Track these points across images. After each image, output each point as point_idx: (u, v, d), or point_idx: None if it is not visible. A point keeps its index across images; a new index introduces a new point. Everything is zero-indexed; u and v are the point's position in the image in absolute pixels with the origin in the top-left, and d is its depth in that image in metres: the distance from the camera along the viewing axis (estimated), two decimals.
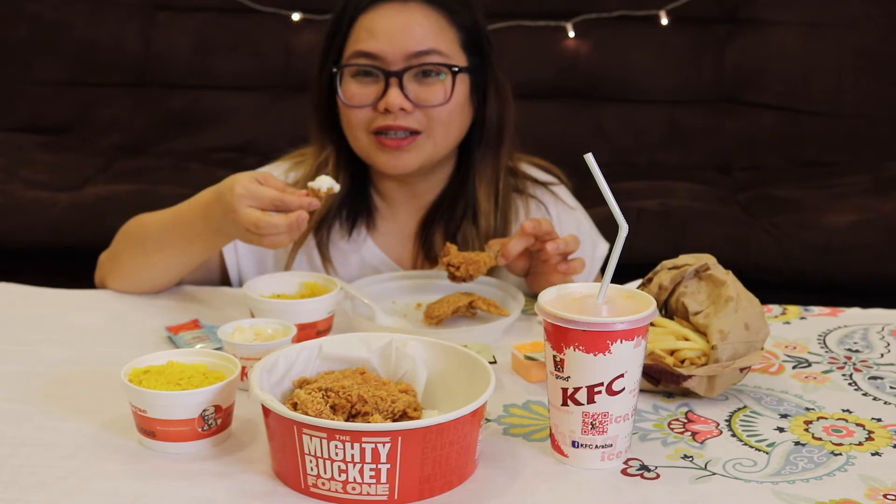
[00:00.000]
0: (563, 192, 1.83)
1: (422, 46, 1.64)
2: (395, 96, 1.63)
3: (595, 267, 1.80)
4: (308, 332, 1.39)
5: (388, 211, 1.78)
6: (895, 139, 3.27)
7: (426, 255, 1.76)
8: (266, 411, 1.09)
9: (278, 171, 1.79)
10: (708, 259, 1.37)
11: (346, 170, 1.74)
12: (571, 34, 3.32)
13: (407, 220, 1.78)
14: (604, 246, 1.82)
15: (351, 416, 1.12)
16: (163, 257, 1.59)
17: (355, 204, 1.76)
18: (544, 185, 1.81)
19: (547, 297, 1.15)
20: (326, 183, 1.48)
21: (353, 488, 1.05)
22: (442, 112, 1.66)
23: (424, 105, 1.65)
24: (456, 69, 1.66)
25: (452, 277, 1.57)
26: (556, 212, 1.79)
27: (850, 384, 1.36)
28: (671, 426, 1.24)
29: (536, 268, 1.60)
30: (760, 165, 3.27)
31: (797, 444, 1.20)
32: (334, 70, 1.67)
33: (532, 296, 1.60)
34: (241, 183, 1.43)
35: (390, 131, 1.65)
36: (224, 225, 1.47)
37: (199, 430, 1.16)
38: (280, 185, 1.46)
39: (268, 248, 1.46)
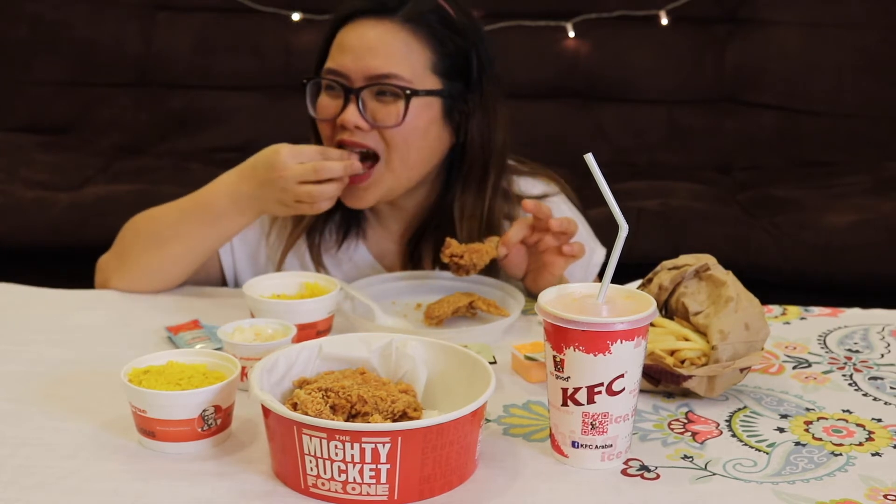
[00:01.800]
0: (557, 203, 1.79)
1: (380, 70, 1.62)
2: (351, 113, 1.62)
3: (592, 273, 1.79)
4: (308, 332, 1.39)
5: (375, 219, 1.78)
6: (895, 139, 3.27)
7: (414, 267, 1.75)
8: (266, 411, 1.09)
9: None
10: (708, 259, 1.37)
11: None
12: (571, 34, 3.32)
13: (396, 229, 1.78)
14: (601, 252, 1.81)
15: (351, 417, 1.12)
16: (178, 245, 1.60)
17: (347, 211, 1.75)
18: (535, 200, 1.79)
19: (547, 297, 1.15)
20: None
21: (353, 488, 1.05)
22: (396, 134, 1.63)
23: (380, 125, 1.63)
24: (409, 92, 1.62)
25: (457, 269, 1.57)
26: None
27: (850, 384, 1.36)
28: (671, 426, 1.24)
29: (535, 263, 1.60)
30: (760, 165, 3.27)
31: (797, 444, 1.20)
32: (304, 82, 1.68)
33: (532, 296, 1.60)
34: (286, 147, 1.54)
35: (348, 147, 1.63)
36: (257, 197, 1.55)
37: (199, 430, 1.16)
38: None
39: (307, 212, 1.56)
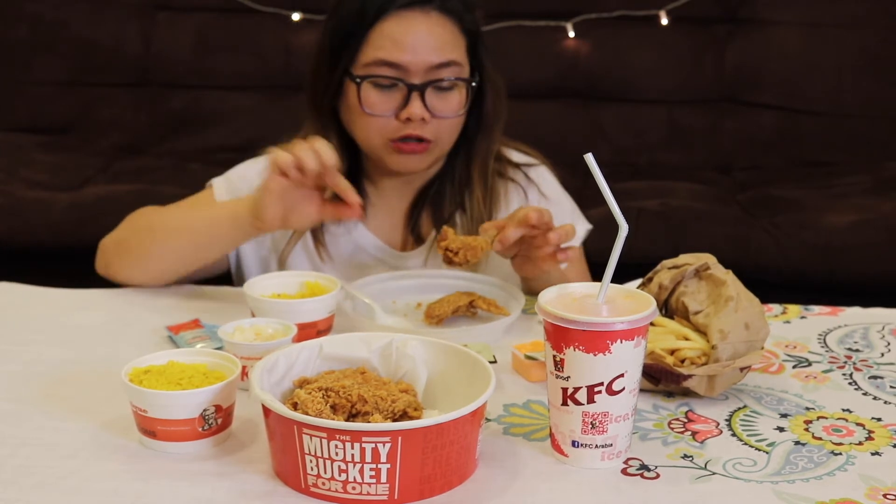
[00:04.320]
0: (542, 172, 1.87)
1: (442, 59, 1.68)
2: (417, 108, 1.67)
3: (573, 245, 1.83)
4: (308, 331, 1.39)
5: (379, 197, 1.82)
6: (895, 139, 3.27)
7: (416, 239, 1.80)
8: (266, 411, 1.09)
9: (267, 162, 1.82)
10: (708, 259, 1.37)
11: (346, 160, 1.77)
12: (571, 34, 3.32)
13: (397, 204, 1.82)
14: (584, 227, 1.86)
15: (351, 416, 1.12)
16: (177, 241, 1.63)
17: None
18: (521, 166, 1.85)
19: (547, 296, 1.15)
20: None
21: (354, 488, 1.05)
22: (454, 121, 1.72)
23: (441, 116, 1.69)
24: (474, 84, 1.72)
25: (449, 262, 1.58)
26: (534, 196, 1.83)
27: (850, 384, 1.36)
28: (671, 426, 1.24)
29: (527, 252, 1.61)
30: (760, 165, 3.27)
31: (797, 443, 1.20)
32: (357, 80, 1.69)
33: (532, 295, 1.61)
34: None
35: (409, 139, 1.70)
36: (248, 205, 1.56)
37: (200, 429, 1.16)
38: None
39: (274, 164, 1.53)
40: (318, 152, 1.51)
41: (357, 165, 1.79)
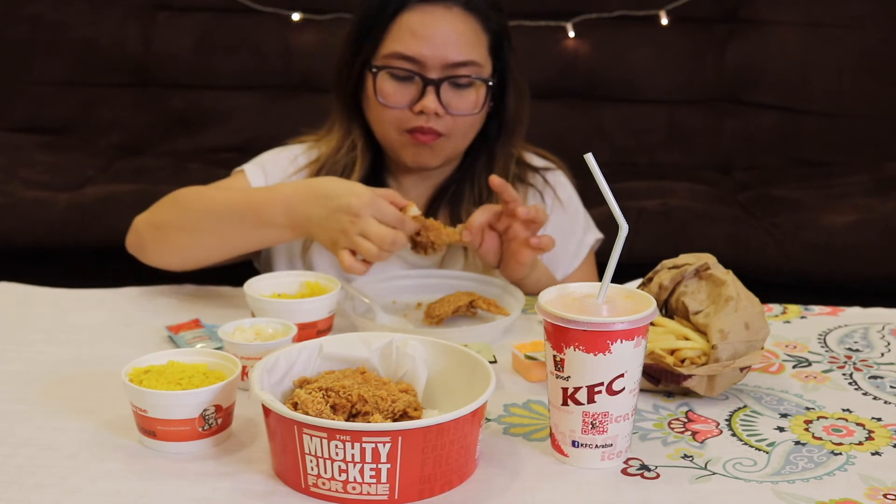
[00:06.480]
0: (558, 176, 1.87)
1: (460, 57, 1.68)
2: (431, 101, 1.68)
3: (581, 254, 1.83)
4: (308, 331, 1.39)
5: (399, 191, 1.81)
6: (895, 139, 3.27)
7: None
8: (266, 411, 1.09)
9: (297, 151, 1.84)
10: (708, 259, 1.37)
11: (370, 153, 1.79)
12: (571, 34, 3.32)
13: (416, 201, 1.82)
14: (594, 235, 1.85)
15: (351, 416, 1.12)
16: (214, 237, 1.61)
17: (370, 186, 1.79)
18: (539, 170, 1.86)
19: (547, 296, 1.15)
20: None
21: (354, 488, 1.05)
22: (468, 119, 1.72)
23: (456, 112, 1.70)
24: (491, 83, 1.71)
25: (414, 245, 1.59)
26: (550, 200, 1.84)
27: (850, 383, 1.36)
28: (671, 426, 1.24)
29: (506, 251, 1.61)
30: (760, 165, 3.27)
31: (797, 443, 1.20)
32: (374, 70, 1.70)
33: (532, 295, 1.61)
34: (369, 193, 1.50)
35: (424, 132, 1.71)
36: (314, 221, 1.52)
37: (200, 429, 1.16)
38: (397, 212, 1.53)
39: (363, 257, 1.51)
40: (394, 245, 1.50)
41: (380, 160, 1.81)
